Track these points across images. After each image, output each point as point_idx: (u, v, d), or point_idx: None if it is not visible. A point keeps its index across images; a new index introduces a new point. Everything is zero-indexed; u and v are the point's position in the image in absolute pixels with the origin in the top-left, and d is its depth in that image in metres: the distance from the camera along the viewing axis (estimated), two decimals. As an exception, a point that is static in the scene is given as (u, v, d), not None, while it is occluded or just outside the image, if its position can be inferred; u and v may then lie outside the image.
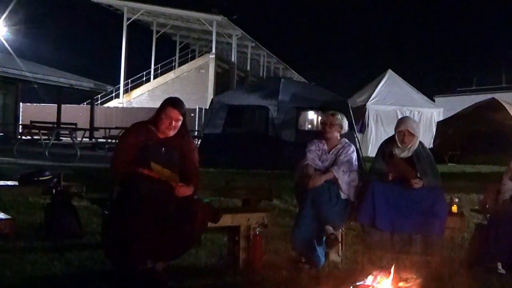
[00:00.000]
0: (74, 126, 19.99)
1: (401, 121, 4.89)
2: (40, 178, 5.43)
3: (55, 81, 22.92)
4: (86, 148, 18.24)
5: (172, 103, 3.92)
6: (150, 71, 39.23)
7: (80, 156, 14.49)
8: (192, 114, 30.42)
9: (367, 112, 20.81)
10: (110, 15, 37.59)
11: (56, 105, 25.78)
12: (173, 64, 40.89)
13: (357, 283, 3.32)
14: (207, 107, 20.35)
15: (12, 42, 27.42)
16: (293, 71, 53.88)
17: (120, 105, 35.65)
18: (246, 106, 14.47)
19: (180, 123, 3.91)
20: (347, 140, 4.82)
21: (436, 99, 34.79)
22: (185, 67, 39.11)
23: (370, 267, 3.48)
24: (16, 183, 5.55)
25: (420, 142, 4.88)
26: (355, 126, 14.85)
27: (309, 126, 15.61)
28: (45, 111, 30.03)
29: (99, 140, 20.69)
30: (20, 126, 23.40)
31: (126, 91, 37.43)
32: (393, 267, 3.37)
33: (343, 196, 4.55)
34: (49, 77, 22.64)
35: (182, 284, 3.84)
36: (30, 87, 25.25)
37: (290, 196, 7.00)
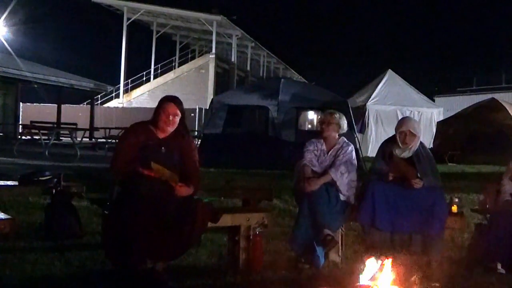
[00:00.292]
0: (74, 126, 19.99)
1: (403, 122, 4.88)
2: (40, 178, 5.44)
3: (55, 81, 22.92)
4: (86, 148, 18.23)
5: (169, 98, 3.98)
6: (150, 71, 39.25)
7: (80, 156, 14.49)
8: (192, 114, 30.43)
9: (367, 112, 20.80)
10: (110, 15, 37.66)
11: (56, 105, 25.79)
12: (173, 64, 40.92)
13: (357, 283, 3.32)
14: (207, 107, 20.36)
15: (12, 42, 27.43)
16: (293, 71, 53.88)
17: (120, 105, 35.67)
18: (246, 106, 14.47)
19: (178, 118, 3.91)
20: (345, 140, 4.78)
21: (436, 99, 34.79)
22: (185, 67, 39.13)
23: (370, 267, 3.46)
24: (16, 183, 5.56)
25: (421, 142, 4.88)
26: (355, 126, 14.85)
27: (309, 126, 15.60)
28: (45, 111, 30.03)
29: (99, 140, 20.68)
30: (20, 126, 23.40)
31: (126, 91, 37.44)
32: (387, 265, 3.37)
33: (342, 197, 4.54)
34: (49, 77, 22.64)
35: (182, 284, 3.83)
36: (30, 87, 25.25)
37: (290, 196, 6.99)
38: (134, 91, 38.04)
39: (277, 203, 7.12)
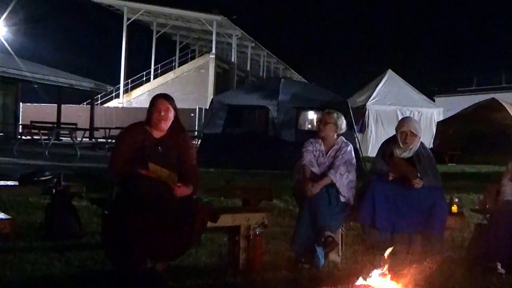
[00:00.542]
0: (74, 126, 20.00)
1: (403, 122, 4.88)
2: (40, 178, 5.43)
3: (55, 81, 22.92)
4: (86, 148, 18.24)
5: (159, 94, 4.01)
6: (150, 71, 39.27)
7: (80, 156, 14.49)
8: (192, 114, 30.46)
9: (367, 112, 20.81)
10: (110, 15, 37.67)
11: (56, 105, 25.79)
12: (173, 64, 40.94)
13: (357, 283, 3.32)
14: (207, 107, 20.36)
15: (12, 42, 27.45)
16: (293, 71, 53.90)
17: (120, 105, 35.67)
18: (246, 106, 14.47)
19: (171, 114, 3.90)
20: (344, 139, 4.74)
21: (436, 99, 34.76)
22: (185, 67, 39.15)
23: (370, 267, 3.46)
24: (16, 183, 5.56)
25: (421, 142, 4.88)
26: (355, 126, 14.84)
27: (309, 126, 15.60)
28: (45, 111, 30.05)
29: (99, 140, 20.68)
30: (20, 126, 23.40)
31: (126, 91, 37.45)
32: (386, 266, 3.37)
33: (342, 199, 4.53)
34: (49, 77, 22.64)
35: (182, 284, 3.83)
36: (30, 87, 25.27)
37: (290, 196, 6.99)
38: (134, 91, 38.06)
39: (277, 203, 7.12)
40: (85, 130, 21.43)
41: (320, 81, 47.93)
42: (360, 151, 13.60)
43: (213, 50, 37.27)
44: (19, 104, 27.04)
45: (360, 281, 3.33)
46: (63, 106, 26.02)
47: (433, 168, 4.85)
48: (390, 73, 22.63)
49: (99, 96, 35.01)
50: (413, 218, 4.58)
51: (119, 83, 36.13)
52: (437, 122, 20.98)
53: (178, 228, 3.62)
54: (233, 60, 40.30)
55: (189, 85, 36.78)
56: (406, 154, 4.81)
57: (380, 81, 22.17)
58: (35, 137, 17.26)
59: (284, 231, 5.36)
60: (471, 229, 5.17)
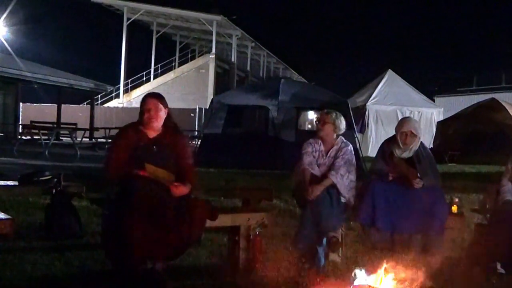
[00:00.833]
0: (74, 126, 20.00)
1: (403, 122, 4.88)
2: (40, 178, 5.43)
3: (55, 81, 22.93)
4: (86, 148, 18.23)
5: (149, 94, 4.01)
6: (150, 71, 39.27)
7: (80, 156, 14.49)
8: (192, 114, 30.46)
9: (367, 112, 20.81)
10: (110, 15, 37.67)
11: (56, 105, 25.79)
12: (173, 64, 40.93)
13: (357, 283, 3.32)
14: (207, 107, 20.35)
15: (12, 42, 27.47)
16: (293, 71, 53.88)
17: (120, 105, 35.66)
18: (246, 106, 14.47)
19: (162, 112, 3.90)
20: (343, 139, 4.72)
21: (436, 99, 34.77)
22: (185, 67, 39.14)
23: (370, 267, 3.46)
24: (16, 183, 5.56)
25: (421, 143, 4.88)
26: (355, 126, 14.84)
27: (309, 126, 15.60)
28: (45, 111, 30.05)
29: (99, 140, 20.69)
30: (20, 126, 23.40)
31: (126, 91, 37.45)
32: (384, 266, 3.36)
33: (343, 200, 4.53)
34: (49, 77, 22.65)
35: (182, 284, 3.83)
36: (30, 87, 25.27)
37: (290, 196, 6.99)
38: (134, 91, 38.04)
39: (277, 203, 7.11)
40: (85, 130, 21.44)
41: (320, 81, 47.93)
42: (360, 151, 13.60)
43: (213, 50, 37.27)
44: (19, 104, 27.04)
45: (359, 280, 3.32)
46: (63, 106, 26.03)
47: (433, 168, 4.85)
48: (390, 73, 22.63)
49: (99, 96, 35.01)
50: (413, 218, 4.58)
51: (119, 83, 36.14)
52: (437, 122, 20.98)
53: (177, 228, 3.62)
54: (233, 60, 40.30)
55: (189, 85, 36.78)
56: (406, 154, 4.81)
57: (380, 81, 22.18)
58: (35, 137, 17.27)
59: (284, 231, 5.35)
60: (471, 229, 5.17)
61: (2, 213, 5.19)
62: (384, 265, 3.38)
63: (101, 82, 26.54)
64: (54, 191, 5.13)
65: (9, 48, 25.74)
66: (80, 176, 8.66)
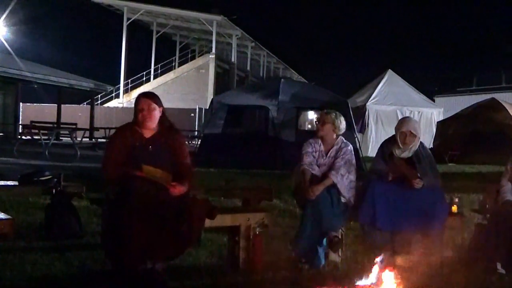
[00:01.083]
0: (74, 126, 20.00)
1: (403, 122, 4.88)
2: (40, 178, 5.43)
3: (55, 81, 22.93)
4: (86, 148, 18.23)
5: (141, 94, 3.99)
6: (150, 71, 39.27)
7: (80, 156, 14.49)
8: (192, 114, 30.46)
9: (367, 112, 20.80)
10: (110, 15, 37.66)
11: (56, 105, 25.79)
12: (173, 64, 40.93)
13: (357, 283, 3.32)
14: (207, 107, 20.36)
15: (12, 42, 27.46)
16: (293, 71, 53.90)
17: (120, 105, 35.65)
18: (246, 106, 14.47)
19: (156, 112, 3.88)
20: (343, 139, 4.73)
21: (436, 99, 34.77)
22: (185, 67, 39.14)
23: (370, 267, 3.46)
24: (16, 183, 5.55)
25: (421, 142, 4.88)
26: (355, 126, 14.85)
27: (309, 126, 15.60)
28: (45, 111, 30.05)
29: (99, 140, 20.69)
30: (20, 126, 23.40)
31: (126, 91, 37.43)
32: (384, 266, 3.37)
33: (343, 199, 4.53)
34: (49, 77, 22.65)
35: (182, 284, 3.84)
36: (30, 87, 25.27)
37: (290, 196, 7.00)
38: (134, 91, 37.98)
39: (277, 203, 7.12)
40: (85, 130, 21.44)
41: (320, 81, 47.89)
42: (360, 151, 13.61)
43: (213, 50, 37.28)
44: (19, 104, 27.04)
45: (360, 281, 3.32)
46: (63, 106, 26.03)
47: (433, 168, 4.85)
48: (390, 73, 22.62)
49: (99, 96, 35.01)
50: (413, 218, 4.58)
51: (119, 83, 36.13)
52: (437, 122, 20.97)
53: (176, 227, 3.62)
54: (233, 60, 40.30)
55: (189, 85, 36.78)
56: (406, 154, 4.80)
57: (380, 81, 22.17)
58: (35, 137, 17.26)
59: (284, 231, 5.36)
60: (471, 229, 5.17)
61: (2, 213, 5.21)
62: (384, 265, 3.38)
63: (101, 82, 26.54)
64: (54, 191, 5.13)
65: (9, 48, 25.75)
66: (80, 176, 8.68)
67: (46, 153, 14.46)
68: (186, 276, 3.96)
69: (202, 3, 39.32)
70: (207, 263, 4.35)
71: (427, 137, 18.96)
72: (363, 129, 20.33)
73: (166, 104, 4.20)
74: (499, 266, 4.23)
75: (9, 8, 26.82)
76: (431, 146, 18.39)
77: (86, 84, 24.95)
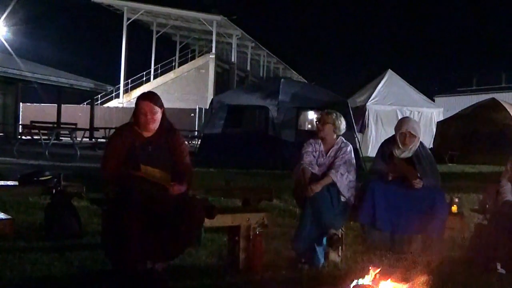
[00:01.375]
0: (74, 126, 19.99)
1: (403, 122, 4.88)
2: (40, 178, 5.43)
3: (55, 81, 22.92)
4: (86, 148, 18.23)
5: (143, 96, 3.91)
6: (150, 71, 39.26)
7: (80, 156, 14.49)
8: (192, 114, 30.45)
9: (367, 112, 20.80)
10: (110, 15, 37.63)
11: (56, 105, 25.79)
12: (173, 64, 40.93)
13: (357, 283, 3.32)
14: (207, 107, 20.36)
15: (12, 42, 27.46)
16: (293, 71, 53.89)
17: (120, 105, 35.65)
18: (246, 106, 14.48)
19: (158, 115, 3.87)
20: (343, 139, 4.74)
21: (436, 99, 34.82)
22: (185, 67, 39.14)
23: (370, 267, 3.46)
24: (16, 183, 5.56)
25: (421, 142, 4.88)
26: (355, 126, 14.84)
27: (309, 126, 15.61)
28: (45, 111, 30.04)
29: (99, 140, 20.69)
30: (20, 126, 23.40)
31: (126, 91, 37.44)
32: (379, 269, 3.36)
33: (343, 198, 4.53)
34: (49, 77, 22.64)
35: (182, 284, 3.83)
36: (30, 87, 25.24)
37: (290, 196, 7.00)
38: (134, 91, 38.00)
39: (277, 203, 7.12)
40: (85, 130, 21.43)
41: (320, 81, 47.98)
42: (360, 151, 13.61)
43: (213, 50, 37.28)
44: (19, 104, 27.03)
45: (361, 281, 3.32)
46: (63, 106, 26.03)
47: (433, 168, 4.85)
48: (390, 73, 22.62)
49: (99, 96, 35.00)
50: (413, 218, 4.58)
51: (119, 83, 36.13)
52: (437, 122, 20.97)
53: (175, 227, 3.62)
54: (233, 60, 40.30)
55: (189, 85, 36.77)
56: (406, 154, 4.81)
57: (380, 81, 22.17)
58: (35, 137, 17.26)
59: (284, 231, 5.36)
60: (471, 229, 5.17)
61: (2, 213, 5.21)
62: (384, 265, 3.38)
63: (101, 82, 26.52)
64: (54, 191, 5.13)
65: (9, 48, 25.74)
66: (80, 176, 8.68)
67: (46, 153, 14.46)
68: (186, 276, 3.96)
69: (202, 3, 39.33)
70: (207, 263, 4.35)
71: (427, 137, 18.96)
72: (363, 129, 20.32)
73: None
74: (499, 266, 4.23)
75: (9, 8, 26.83)
76: (431, 146, 18.39)
77: (86, 84, 24.94)
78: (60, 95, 25.38)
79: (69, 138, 17.84)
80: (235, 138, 13.85)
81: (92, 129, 24.08)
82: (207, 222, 3.87)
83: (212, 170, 11.56)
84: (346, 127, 4.78)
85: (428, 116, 21.74)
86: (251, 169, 12.08)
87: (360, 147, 14.22)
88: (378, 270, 3.34)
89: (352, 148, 4.73)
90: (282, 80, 15.76)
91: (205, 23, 36.44)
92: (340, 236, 4.43)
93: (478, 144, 17.72)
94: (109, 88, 29.03)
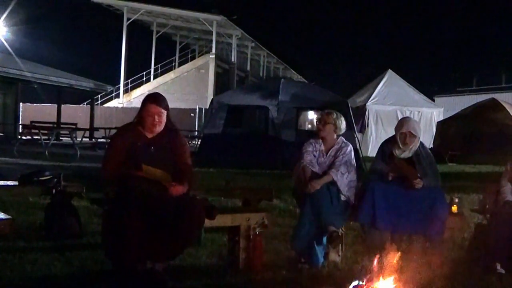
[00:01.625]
0: (74, 126, 19.99)
1: (403, 122, 4.87)
2: (40, 178, 5.43)
3: (55, 81, 22.92)
4: (86, 148, 18.24)
5: (151, 98, 3.90)
6: (150, 71, 39.25)
7: (80, 156, 14.49)
8: (192, 114, 30.43)
9: (367, 112, 20.79)
10: (110, 15, 37.61)
11: (56, 105, 25.79)
12: (173, 64, 40.92)
13: (357, 283, 3.32)
14: (207, 107, 20.35)
15: (12, 42, 27.45)
16: (293, 71, 53.88)
17: (120, 105, 35.65)
18: (246, 106, 14.47)
19: (164, 117, 3.87)
20: (344, 139, 4.75)
21: (436, 99, 34.78)
22: (185, 67, 39.13)
23: (370, 267, 3.46)
24: (16, 183, 5.56)
25: (421, 142, 4.88)
26: (355, 126, 14.84)
27: (309, 126, 15.60)
28: (45, 111, 30.02)
29: (99, 140, 20.68)
30: (20, 126, 23.40)
31: (126, 91, 37.43)
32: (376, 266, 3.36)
33: (343, 198, 4.54)
34: (49, 77, 22.64)
35: (182, 284, 3.84)
36: (30, 87, 25.25)
37: (290, 196, 7.00)
38: (134, 91, 38.02)
39: (277, 203, 7.12)
40: (85, 130, 21.44)
41: (320, 81, 47.96)
42: (360, 151, 13.60)
43: (213, 50, 37.26)
44: (19, 104, 27.04)
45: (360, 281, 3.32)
46: (63, 106, 26.04)
47: (433, 168, 4.85)
48: (390, 73, 22.61)
49: (99, 96, 34.98)
50: (413, 218, 4.58)
51: (119, 83, 36.11)
52: (437, 122, 20.96)
53: (175, 227, 3.62)
54: (233, 60, 40.29)
55: (189, 85, 36.77)
56: (406, 154, 4.81)
57: (380, 81, 22.16)
58: (35, 137, 17.26)
59: (284, 231, 5.36)
60: (471, 229, 5.17)
61: (2, 213, 5.21)
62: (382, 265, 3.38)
63: (101, 82, 26.52)
64: (54, 191, 5.13)
65: (9, 48, 25.73)
66: (80, 176, 8.68)
67: (46, 153, 14.46)
68: (186, 276, 3.96)
69: (202, 3, 39.37)
70: (207, 263, 4.35)
71: (427, 137, 18.95)
72: (363, 129, 20.32)
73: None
74: (499, 266, 4.23)
75: (9, 8, 26.83)
76: (431, 146, 18.38)
77: (86, 84, 24.95)
78: (60, 95, 25.38)
79: (69, 138, 17.85)
80: (235, 138, 13.84)
81: (92, 129, 24.08)
82: (207, 222, 3.87)
83: (212, 170, 11.56)
84: (346, 127, 4.80)
85: (428, 116, 21.73)
86: (251, 169, 12.08)
87: (360, 147, 14.21)
88: (378, 270, 3.34)
89: (352, 148, 4.74)
90: (282, 80, 15.77)
91: (205, 23, 36.43)
92: (340, 234, 4.43)
93: (478, 144, 17.71)
94: (109, 88, 29.04)
